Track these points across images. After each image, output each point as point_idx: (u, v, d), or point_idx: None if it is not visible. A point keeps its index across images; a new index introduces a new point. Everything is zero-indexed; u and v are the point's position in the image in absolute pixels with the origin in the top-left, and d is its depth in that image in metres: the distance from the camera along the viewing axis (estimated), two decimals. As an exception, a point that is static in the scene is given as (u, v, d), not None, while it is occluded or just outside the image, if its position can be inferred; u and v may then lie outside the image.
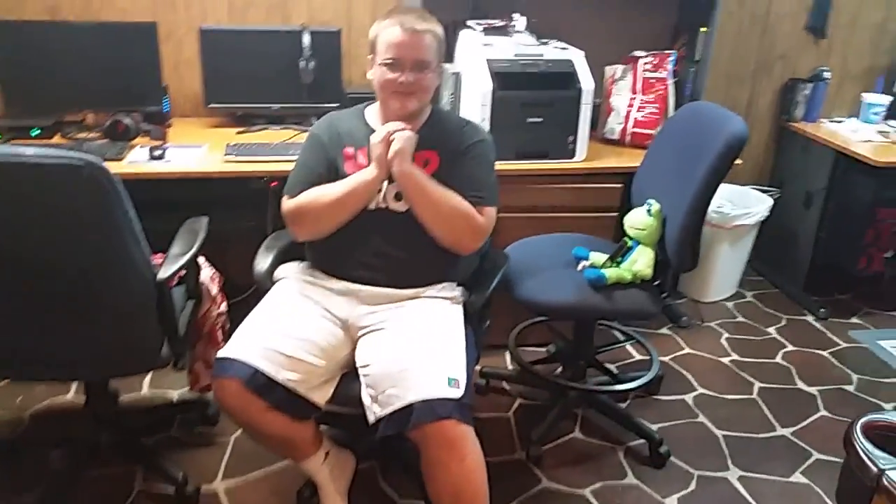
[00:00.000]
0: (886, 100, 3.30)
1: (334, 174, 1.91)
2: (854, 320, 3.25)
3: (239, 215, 2.72)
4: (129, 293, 1.72)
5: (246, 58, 2.87)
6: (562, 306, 2.13)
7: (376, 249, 1.88)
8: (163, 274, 1.79)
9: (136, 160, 2.49)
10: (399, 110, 1.87)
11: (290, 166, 2.02)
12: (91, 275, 1.64)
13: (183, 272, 1.93)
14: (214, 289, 2.25)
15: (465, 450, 1.64)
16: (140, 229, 1.68)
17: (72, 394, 2.52)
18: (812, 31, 3.46)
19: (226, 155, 2.55)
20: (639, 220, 2.19)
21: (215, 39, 2.84)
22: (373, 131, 1.88)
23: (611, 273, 2.15)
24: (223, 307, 2.29)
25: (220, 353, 1.75)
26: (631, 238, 2.22)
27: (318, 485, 1.96)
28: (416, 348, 1.74)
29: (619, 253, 2.22)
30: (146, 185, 2.20)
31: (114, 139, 2.64)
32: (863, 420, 1.23)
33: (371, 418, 1.70)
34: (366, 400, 1.72)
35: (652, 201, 2.18)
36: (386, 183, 1.87)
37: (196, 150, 2.62)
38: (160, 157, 2.50)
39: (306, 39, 2.83)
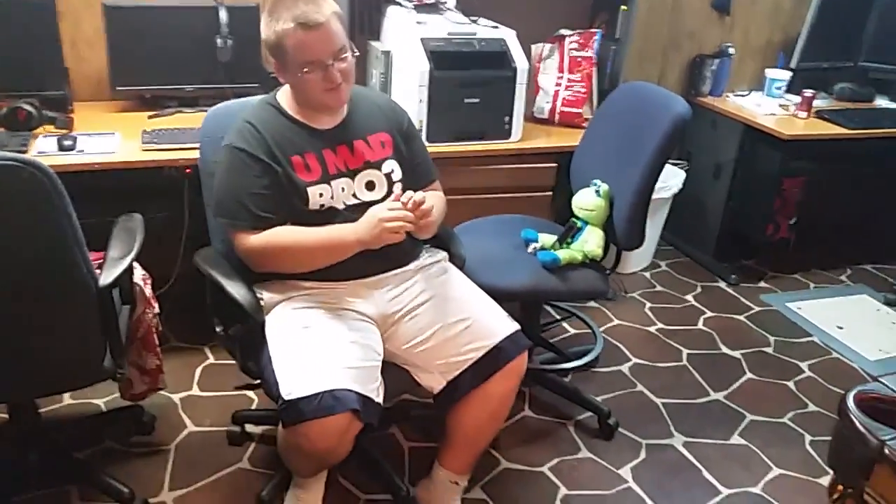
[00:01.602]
0: (787, 75, 3.49)
1: (288, 189, 1.73)
2: (762, 284, 3.46)
3: (155, 206, 2.55)
4: (71, 302, 1.57)
5: (156, 36, 2.66)
6: (519, 290, 2.13)
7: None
8: (105, 280, 1.64)
9: (45, 151, 2.26)
10: (338, 104, 1.78)
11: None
12: (31, 283, 1.49)
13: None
14: (147, 290, 2.09)
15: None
16: (81, 232, 1.53)
17: (-19, 410, 2.29)
18: (717, 9, 3.60)
19: (143, 143, 2.37)
20: (587, 202, 2.21)
21: (122, 16, 2.61)
22: (313, 130, 1.76)
23: (563, 254, 2.17)
24: (156, 309, 2.14)
25: (304, 391, 1.56)
26: (579, 219, 2.24)
27: (305, 489, 1.88)
28: (466, 303, 1.84)
29: (569, 234, 2.24)
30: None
31: (12, 129, 2.38)
32: (854, 392, 1.30)
33: (438, 386, 1.80)
34: (423, 376, 1.81)
35: (598, 182, 2.21)
36: (349, 180, 1.79)
37: (109, 137, 2.41)
38: (71, 149, 2.29)
39: (223, 15, 2.65)
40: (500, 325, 1.82)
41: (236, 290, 1.73)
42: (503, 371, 1.78)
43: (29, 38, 2.49)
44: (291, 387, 1.59)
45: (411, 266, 1.90)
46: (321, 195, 1.75)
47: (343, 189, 1.78)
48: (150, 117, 2.66)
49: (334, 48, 1.68)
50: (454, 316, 1.81)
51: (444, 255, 2.01)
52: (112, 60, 2.64)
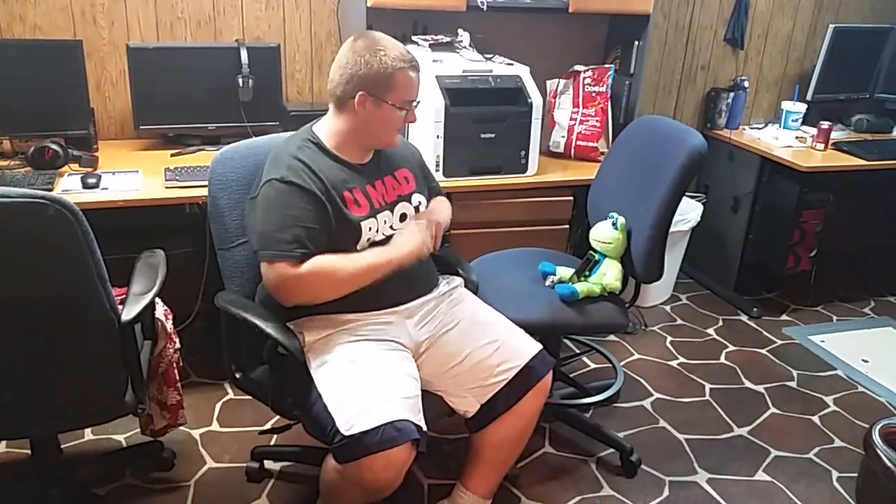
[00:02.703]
0: (803, 107, 3.50)
1: (339, 226, 1.73)
2: (784, 317, 3.42)
3: (176, 242, 2.59)
4: (93, 337, 1.59)
5: (178, 76, 2.72)
6: (538, 324, 2.12)
7: (403, 271, 1.80)
8: (127, 315, 1.65)
9: (70, 190, 2.31)
10: (394, 145, 1.88)
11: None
12: (55, 319, 1.51)
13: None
14: (169, 325, 2.11)
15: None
16: (105, 268, 1.55)
17: (3, 446, 2.30)
18: (731, 42, 3.63)
19: (166, 180, 2.41)
20: (605, 234, 2.21)
21: (145, 57, 2.67)
22: (354, 167, 1.81)
23: (581, 287, 2.17)
24: (177, 344, 2.15)
25: (365, 425, 1.56)
26: (597, 252, 2.24)
27: None
28: (491, 326, 1.91)
29: (587, 267, 2.23)
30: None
31: (38, 168, 2.44)
32: (879, 426, 1.28)
33: (472, 409, 1.85)
34: (456, 401, 1.86)
35: (616, 215, 2.21)
36: (389, 213, 1.85)
37: (132, 175, 2.46)
38: (95, 186, 2.33)
39: (244, 56, 2.71)
40: (526, 344, 1.90)
41: (275, 330, 1.69)
42: (534, 389, 1.86)
43: (56, 79, 2.56)
44: (351, 421, 1.58)
45: (434, 293, 1.94)
46: (370, 229, 1.79)
47: (385, 221, 1.84)
48: (172, 155, 2.71)
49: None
50: (483, 339, 1.87)
51: (459, 281, 2.05)
52: (136, 100, 2.70)
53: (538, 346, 1.90)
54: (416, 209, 1.92)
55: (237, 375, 1.87)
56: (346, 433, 1.57)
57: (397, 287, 1.81)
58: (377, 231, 1.81)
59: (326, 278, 1.69)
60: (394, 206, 1.86)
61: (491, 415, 1.85)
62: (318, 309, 1.75)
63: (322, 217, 1.70)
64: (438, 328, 1.89)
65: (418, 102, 1.82)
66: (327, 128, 1.82)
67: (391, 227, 1.85)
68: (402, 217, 1.88)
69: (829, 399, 2.79)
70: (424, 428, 1.65)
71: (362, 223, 1.77)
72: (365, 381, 1.67)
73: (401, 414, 1.60)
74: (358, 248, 1.77)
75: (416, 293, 1.89)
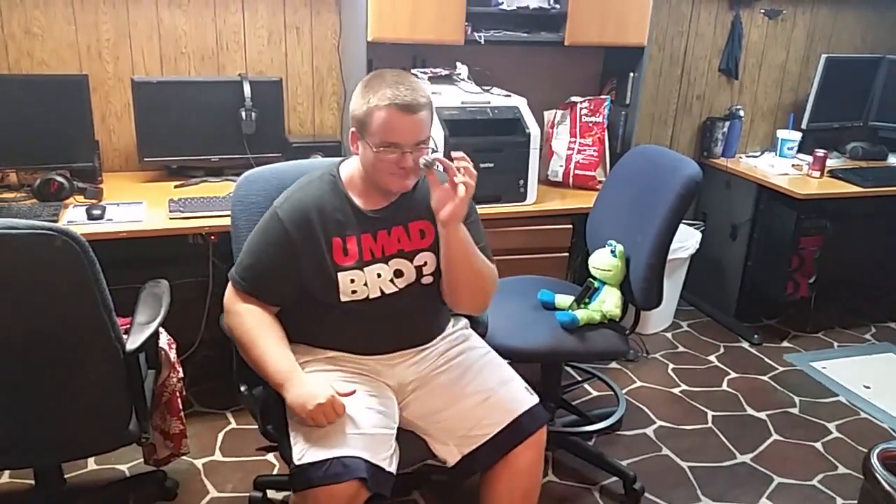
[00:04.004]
0: (798, 135, 3.54)
1: (316, 274, 1.70)
2: (785, 344, 3.43)
3: (180, 272, 2.61)
4: (99, 366, 1.60)
5: (182, 109, 2.76)
6: (539, 351, 2.14)
7: (395, 325, 1.79)
8: (132, 344, 1.67)
9: (75, 221, 2.33)
10: (399, 189, 1.71)
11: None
12: (60, 349, 1.53)
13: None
14: (172, 355, 2.12)
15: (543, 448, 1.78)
16: (110, 298, 1.57)
17: (6, 476, 2.30)
18: (725, 73, 3.69)
19: (170, 211, 2.44)
20: (604, 262, 2.23)
21: (149, 91, 2.72)
22: (360, 212, 1.71)
23: (581, 314, 2.18)
24: (181, 373, 2.16)
25: (314, 457, 1.55)
26: (596, 279, 2.26)
27: None
28: (485, 375, 1.80)
29: (587, 294, 2.25)
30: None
31: (44, 199, 2.48)
32: (878, 450, 1.28)
33: (453, 459, 1.75)
34: (439, 447, 1.76)
35: (614, 242, 2.24)
36: (383, 265, 1.73)
37: (136, 207, 2.49)
38: (100, 218, 2.36)
39: (247, 89, 2.76)
40: (519, 398, 1.77)
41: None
42: (525, 444, 1.74)
43: (62, 113, 2.60)
44: (303, 451, 1.58)
45: (431, 343, 1.87)
46: (353, 281, 1.71)
47: (379, 275, 1.73)
48: (176, 186, 2.74)
49: (417, 138, 1.62)
50: (473, 388, 1.77)
51: (464, 321, 1.98)
52: (140, 133, 2.75)
53: (532, 401, 1.78)
54: (419, 269, 1.77)
55: (241, 388, 1.86)
56: (297, 462, 1.57)
57: (387, 335, 1.77)
58: (367, 285, 1.72)
59: (238, 332, 1.70)
60: (389, 259, 1.74)
61: (473, 467, 1.74)
62: (302, 337, 1.77)
63: (286, 267, 1.70)
64: (429, 369, 1.81)
65: (419, 147, 1.63)
66: (349, 165, 1.78)
67: (392, 283, 1.74)
68: (398, 273, 1.75)
69: (831, 425, 2.79)
70: (389, 468, 1.61)
71: (340, 274, 1.70)
72: None
73: (353, 451, 1.56)
74: (342, 299, 1.71)
75: (410, 343, 1.83)
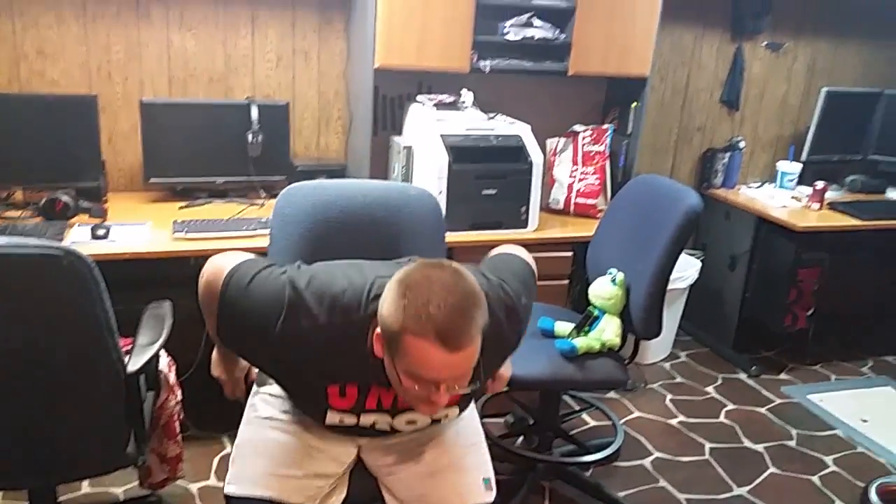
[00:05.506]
0: (798, 167, 3.57)
1: (301, 389, 1.53)
2: (783, 376, 3.43)
3: (182, 293, 2.61)
4: (99, 387, 1.61)
5: (188, 131, 2.79)
6: (537, 379, 2.14)
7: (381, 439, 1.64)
8: (133, 366, 1.68)
9: (79, 241, 2.35)
10: (426, 414, 1.48)
11: (243, 243, 1.88)
12: (62, 368, 1.53)
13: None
14: (172, 377, 2.12)
15: None
16: (114, 319, 1.58)
17: (0, 498, 2.29)
18: (726, 104, 3.73)
19: (174, 232, 2.45)
20: (604, 290, 2.24)
21: (157, 112, 2.75)
22: (374, 363, 1.34)
23: (581, 343, 2.19)
24: (179, 396, 2.16)
25: (241, 491, 1.49)
26: (596, 307, 2.27)
27: None
28: (449, 449, 1.62)
29: (586, 323, 2.26)
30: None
31: (50, 218, 2.49)
32: (876, 484, 1.29)
33: None
34: (388, 497, 1.60)
35: (614, 271, 2.25)
36: (386, 416, 1.52)
37: (140, 227, 2.50)
38: (104, 237, 2.37)
39: (254, 113, 2.79)
40: (469, 490, 1.58)
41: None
42: None
43: (70, 132, 2.63)
44: (231, 479, 1.54)
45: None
46: (341, 421, 1.51)
47: (374, 423, 1.52)
48: (181, 208, 2.76)
49: (457, 374, 1.28)
50: (429, 458, 1.61)
51: None
52: (146, 154, 2.77)
53: (481, 498, 1.57)
54: (435, 420, 1.57)
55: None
56: (225, 490, 1.53)
57: (365, 436, 1.60)
58: (355, 424, 1.52)
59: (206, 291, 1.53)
60: (398, 413, 1.51)
61: None
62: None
63: (275, 369, 1.50)
64: (403, 456, 1.63)
65: (460, 382, 1.29)
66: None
67: (391, 427, 1.54)
68: (411, 422, 1.54)
69: (828, 459, 2.78)
70: None
71: (329, 412, 1.49)
72: (266, 443, 1.58)
73: (279, 494, 1.48)
74: (327, 423, 1.52)
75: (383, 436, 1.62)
